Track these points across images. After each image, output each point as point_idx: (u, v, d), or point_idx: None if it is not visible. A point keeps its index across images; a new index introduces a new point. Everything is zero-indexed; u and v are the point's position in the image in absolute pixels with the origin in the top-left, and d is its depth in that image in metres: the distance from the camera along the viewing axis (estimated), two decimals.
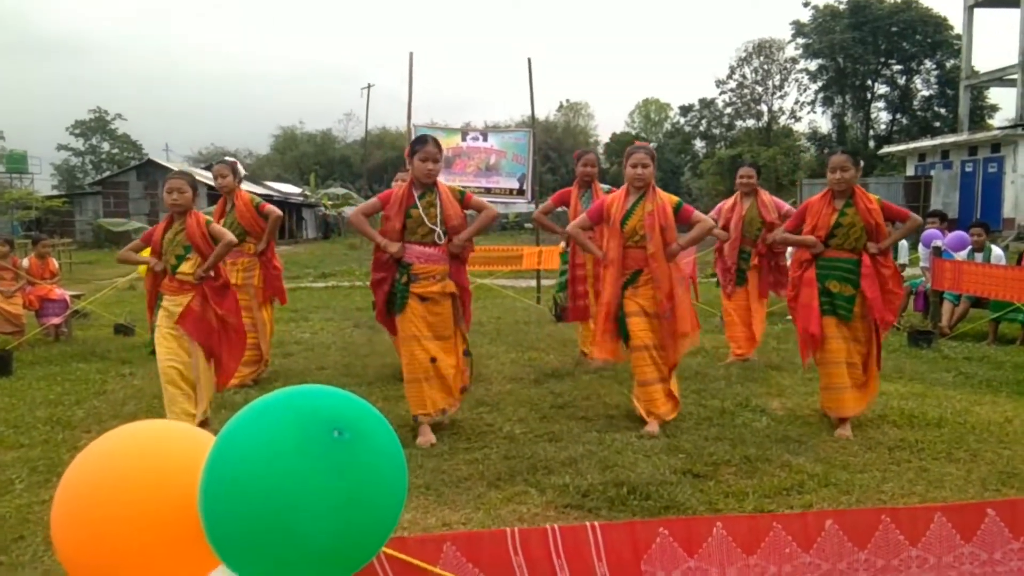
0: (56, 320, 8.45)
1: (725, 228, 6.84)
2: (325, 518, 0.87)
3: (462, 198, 4.73)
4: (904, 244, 8.89)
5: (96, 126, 57.99)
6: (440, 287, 4.62)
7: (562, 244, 6.90)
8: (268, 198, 6.76)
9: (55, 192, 43.06)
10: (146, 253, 4.96)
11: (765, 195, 6.84)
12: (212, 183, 6.79)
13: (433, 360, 4.57)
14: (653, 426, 4.67)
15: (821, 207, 4.74)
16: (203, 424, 4.58)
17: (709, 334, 7.35)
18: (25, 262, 8.65)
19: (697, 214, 4.90)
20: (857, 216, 4.62)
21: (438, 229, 4.58)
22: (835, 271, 4.70)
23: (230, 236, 4.78)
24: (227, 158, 6.60)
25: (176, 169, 5.53)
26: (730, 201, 6.99)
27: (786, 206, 6.86)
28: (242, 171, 6.48)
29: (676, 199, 4.91)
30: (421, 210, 4.56)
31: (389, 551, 1.41)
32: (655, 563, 1.49)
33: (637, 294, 4.82)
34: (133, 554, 0.98)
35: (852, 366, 4.71)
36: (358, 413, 0.94)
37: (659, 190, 4.89)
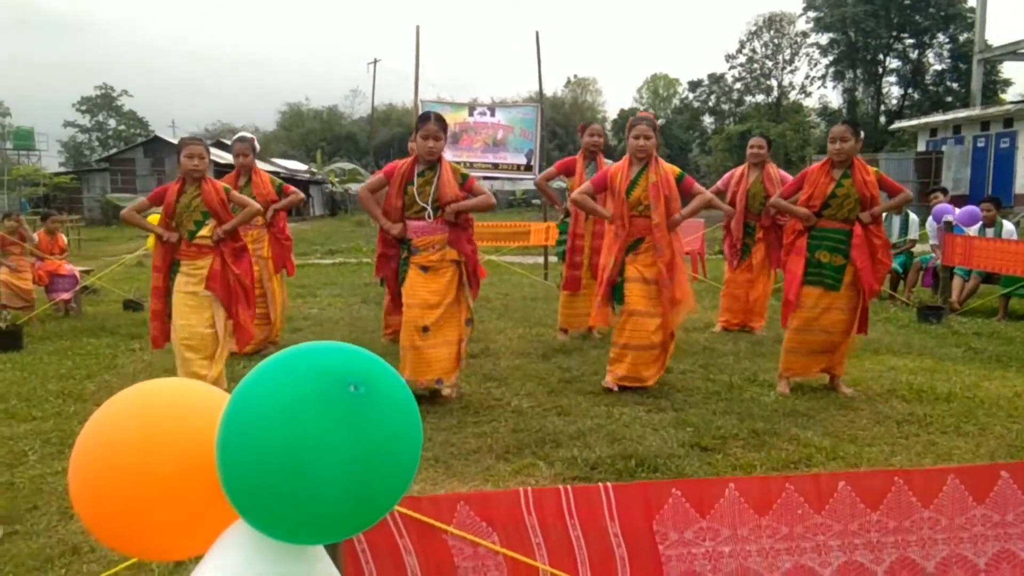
0: (66, 295, 8.50)
1: (732, 201, 6.83)
2: (342, 472, 0.87)
3: (463, 181, 4.75)
4: (914, 219, 8.84)
5: (103, 103, 57.97)
6: (439, 255, 4.70)
7: (561, 215, 6.93)
8: (275, 175, 6.87)
9: (62, 169, 43.17)
10: (154, 219, 4.99)
11: (772, 168, 6.79)
12: (219, 160, 6.90)
13: (425, 329, 4.64)
14: (610, 383, 4.93)
15: (819, 176, 4.80)
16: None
17: (715, 310, 7.34)
18: (34, 237, 8.68)
19: (697, 186, 5.01)
20: (853, 187, 4.69)
21: (428, 208, 4.65)
22: (826, 241, 4.79)
23: (255, 204, 4.96)
24: (245, 134, 6.71)
25: (189, 136, 5.54)
26: (738, 172, 6.96)
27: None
28: (257, 147, 6.66)
29: (678, 170, 5.00)
30: (416, 188, 4.64)
31: (403, 510, 1.42)
32: (667, 523, 1.50)
33: (637, 260, 4.92)
34: (152, 509, 0.99)
35: (827, 334, 4.81)
36: (373, 368, 0.94)
37: (661, 160, 4.96)
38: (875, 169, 4.80)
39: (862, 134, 4.83)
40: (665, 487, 1.50)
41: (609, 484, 1.51)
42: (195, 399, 1.05)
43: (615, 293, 5.03)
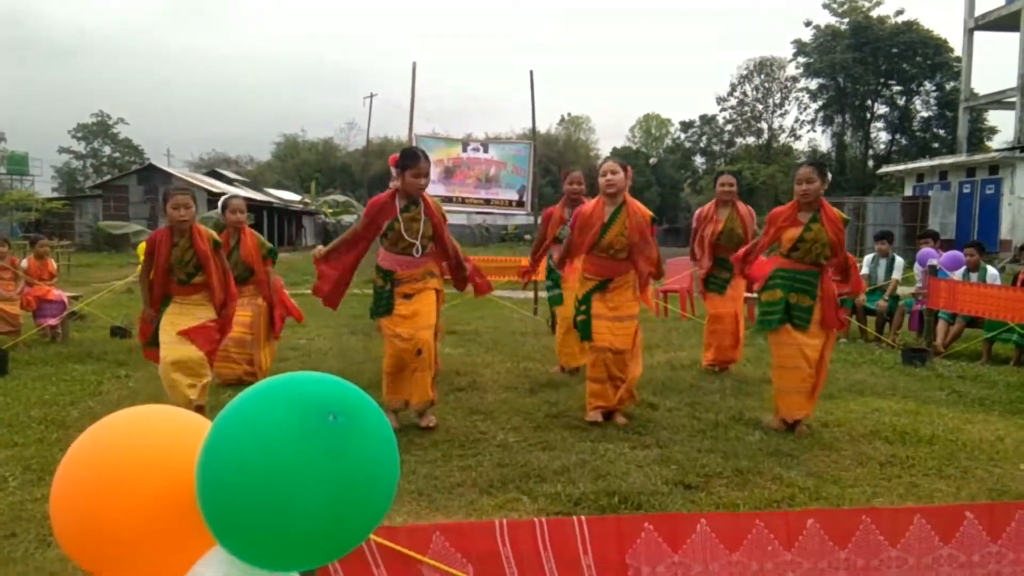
0: (53, 321, 8.46)
1: (703, 239, 6.82)
2: (320, 500, 0.89)
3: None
4: (900, 261, 8.96)
5: (98, 130, 58.11)
6: (423, 284, 4.79)
7: (555, 256, 6.77)
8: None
9: (55, 194, 43.16)
10: (140, 248, 5.09)
11: (742, 205, 6.83)
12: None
13: (420, 352, 4.67)
14: (595, 415, 4.95)
15: (787, 220, 4.89)
16: (198, 409, 4.70)
17: (701, 347, 7.37)
18: (24, 263, 8.67)
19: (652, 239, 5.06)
20: (823, 231, 4.77)
21: (417, 243, 4.72)
22: (796, 283, 4.87)
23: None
24: (239, 193, 6.79)
25: (177, 175, 5.61)
26: (706, 209, 6.97)
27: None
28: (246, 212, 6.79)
29: (650, 214, 5.05)
30: (402, 224, 4.69)
31: (379, 540, 1.43)
32: (639, 557, 1.52)
33: (605, 299, 4.97)
34: (131, 535, 1.00)
35: (805, 370, 4.85)
36: (352, 398, 0.97)
37: (635, 201, 5.00)
38: (844, 216, 4.90)
39: (828, 176, 4.90)
40: (638, 521, 1.52)
41: (583, 518, 1.53)
42: (177, 426, 1.07)
43: (582, 330, 5.06)
